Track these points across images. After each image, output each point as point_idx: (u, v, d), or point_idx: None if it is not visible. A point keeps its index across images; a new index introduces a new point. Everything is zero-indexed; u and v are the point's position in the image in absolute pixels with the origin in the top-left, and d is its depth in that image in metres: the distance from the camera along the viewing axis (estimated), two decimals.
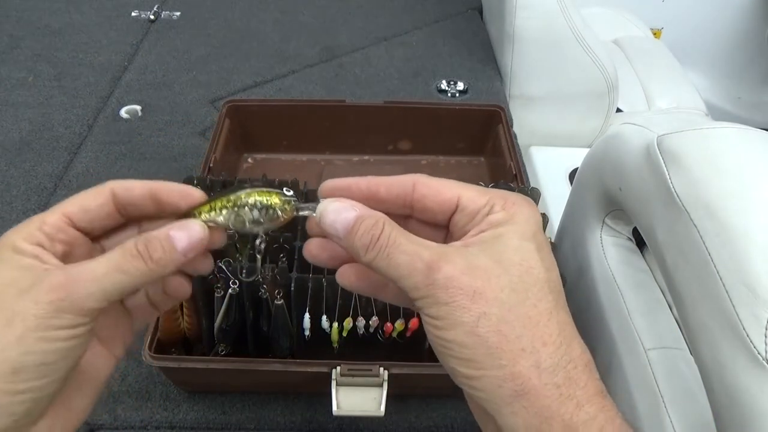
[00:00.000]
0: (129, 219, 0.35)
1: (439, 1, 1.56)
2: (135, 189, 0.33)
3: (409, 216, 0.34)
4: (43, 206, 0.94)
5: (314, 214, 0.33)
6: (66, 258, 0.32)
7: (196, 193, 0.34)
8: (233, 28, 1.42)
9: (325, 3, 1.53)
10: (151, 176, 1.07)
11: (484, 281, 0.28)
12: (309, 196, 0.74)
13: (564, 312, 0.30)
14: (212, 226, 0.34)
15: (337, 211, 0.31)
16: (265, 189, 0.34)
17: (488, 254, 0.29)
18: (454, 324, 0.28)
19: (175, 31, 1.40)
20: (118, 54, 1.31)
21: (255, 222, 0.34)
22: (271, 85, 1.24)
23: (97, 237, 0.35)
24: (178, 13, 1.46)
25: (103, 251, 0.35)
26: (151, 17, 1.43)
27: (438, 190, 0.32)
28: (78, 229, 0.33)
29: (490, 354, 0.28)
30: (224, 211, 0.34)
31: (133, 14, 1.45)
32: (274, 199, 0.34)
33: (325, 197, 0.33)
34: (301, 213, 0.34)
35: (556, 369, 0.28)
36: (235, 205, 0.34)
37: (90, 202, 0.33)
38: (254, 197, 0.34)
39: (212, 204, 0.34)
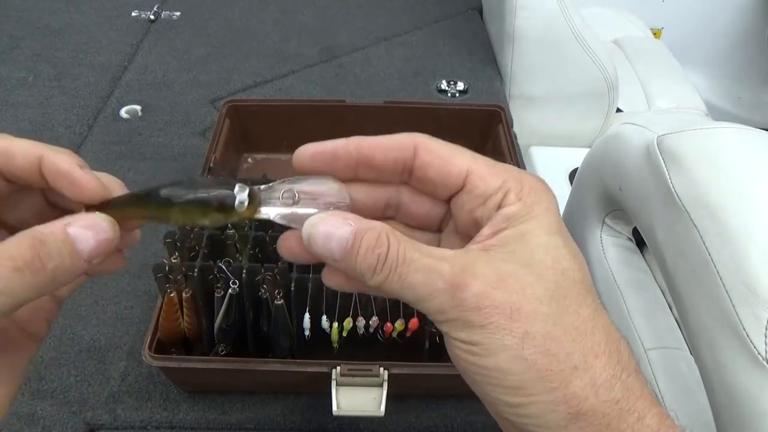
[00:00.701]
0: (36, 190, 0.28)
1: (439, 1, 1.56)
2: (17, 158, 0.26)
3: (401, 184, 0.29)
4: None
5: (288, 223, 0.27)
6: None
7: (87, 184, 0.26)
8: (233, 28, 1.42)
9: (325, 3, 1.53)
10: (151, 176, 1.06)
11: (519, 293, 0.25)
12: None
13: (604, 313, 0.26)
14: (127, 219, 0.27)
15: (328, 234, 0.25)
16: (205, 197, 0.27)
17: (515, 259, 0.25)
18: (495, 349, 0.24)
19: (175, 31, 1.40)
20: (118, 54, 1.31)
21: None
22: (271, 85, 1.24)
23: None
24: (178, 13, 1.46)
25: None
26: (151, 17, 1.43)
27: (444, 159, 0.27)
28: None
29: (540, 378, 0.24)
30: (150, 213, 0.27)
31: (133, 14, 1.45)
32: (204, 220, 0.27)
33: (303, 168, 0.28)
34: (267, 217, 0.28)
35: (612, 382, 0.25)
36: (161, 217, 0.27)
37: None
38: (183, 219, 0.27)
39: (138, 207, 0.27)
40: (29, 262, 0.23)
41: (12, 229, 0.27)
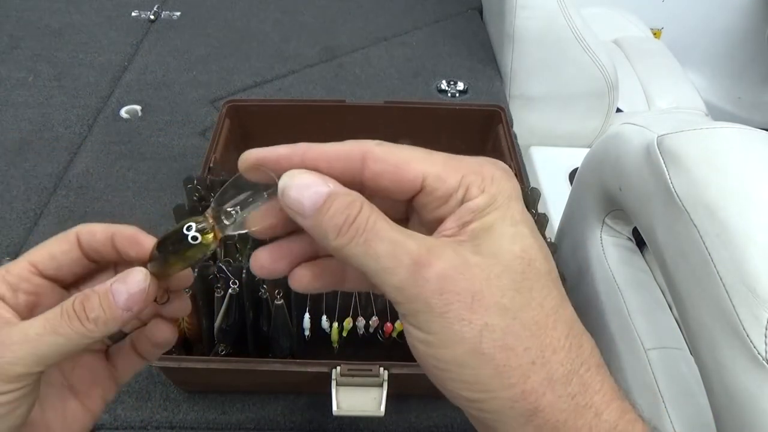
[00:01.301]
0: (102, 263, 0.33)
1: (439, 1, 1.56)
2: (97, 233, 0.31)
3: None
4: (43, 206, 0.94)
5: (265, 198, 0.28)
6: (33, 309, 0.31)
7: (145, 241, 0.30)
8: (233, 28, 1.42)
9: (325, 3, 1.53)
10: (151, 176, 1.07)
11: (483, 282, 0.24)
12: None
13: (569, 306, 0.26)
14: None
15: (306, 185, 0.25)
16: (172, 247, 0.29)
17: (483, 250, 0.25)
18: (452, 341, 0.24)
19: (175, 31, 1.40)
20: (118, 54, 1.31)
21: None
22: (271, 85, 1.24)
23: (70, 284, 0.33)
24: (178, 13, 1.46)
25: None
26: (151, 17, 1.43)
27: (396, 166, 0.26)
28: (46, 277, 0.31)
29: (498, 374, 0.24)
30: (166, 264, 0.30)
31: (133, 14, 1.45)
32: (188, 261, 0.29)
33: (246, 173, 0.28)
34: (231, 233, 0.29)
35: (569, 377, 0.25)
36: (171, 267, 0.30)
37: (56, 248, 0.31)
38: (181, 265, 0.29)
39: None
40: (78, 312, 0.28)
41: None
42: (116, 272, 0.33)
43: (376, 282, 0.25)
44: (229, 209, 0.29)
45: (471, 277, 0.24)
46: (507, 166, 0.27)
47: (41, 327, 0.28)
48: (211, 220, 0.29)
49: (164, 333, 0.33)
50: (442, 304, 0.24)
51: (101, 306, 0.28)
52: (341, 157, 0.27)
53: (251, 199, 0.28)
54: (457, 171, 0.26)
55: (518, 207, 0.26)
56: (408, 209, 0.29)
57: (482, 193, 0.26)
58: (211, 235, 0.29)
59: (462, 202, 0.26)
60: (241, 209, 0.28)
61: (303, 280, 0.29)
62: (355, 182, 0.27)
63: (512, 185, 0.27)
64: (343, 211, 0.25)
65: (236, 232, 0.29)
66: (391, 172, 0.26)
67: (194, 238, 0.29)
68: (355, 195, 0.26)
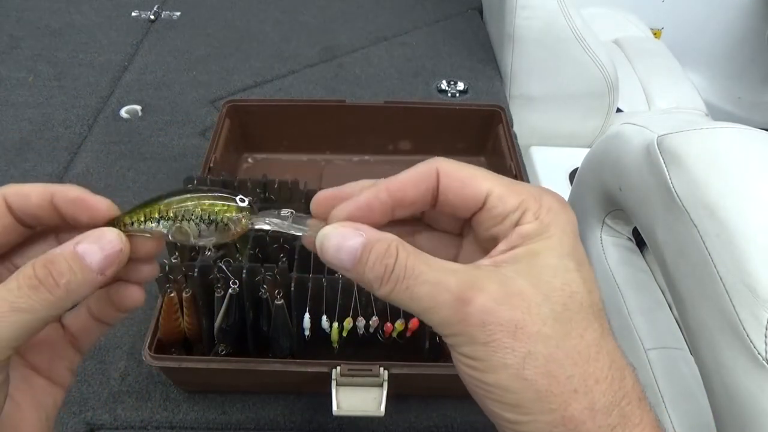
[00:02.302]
0: (40, 228, 0.29)
1: (439, 1, 1.56)
2: (32, 196, 0.27)
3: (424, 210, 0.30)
4: None
5: (305, 233, 0.28)
6: None
7: (100, 205, 0.27)
8: (233, 28, 1.42)
9: (325, 3, 1.53)
10: (151, 176, 1.07)
11: (525, 312, 0.25)
12: (309, 196, 0.74)
13: (611, 338, 0.26)
14: (147, 236, 0.28)
15: (340, 239, 0.26)
16: (214, 196, 0.28)
17: (525, 277, 0.25)
18: (496, 367, 0.25)
19: (175, 31, 1.40)
20: (118, 54, 1.31)
21: (201, 236, 0.28)
22: (271, 85, 1.24)
23: (3, 255, 0.29)
24: (178, 13, 1.46)
25: (13, 271, 0.29)
26: (151, 17, 1.43)
27: (463, 182, 0.27)
28: None
29: (539, 399, 0.24)
30: (163, 222, 0.28)
31: (133, 14, 1.45)
32: (226, 212, 0.28)
33: (319, 214, 0.29)
34: (273, 229, 0.29)
35: (610, 408, 0.25)
36: (176, 217, 0.28)
37: None
38: (200, 209, 0.28)
39: (147, 211, 0.28)
40: (43, 280, 0.25)
41: None
42: (58, 240, 0.30)
43: (422, 319, 0.26)
44: (281, 214, 0.29)
45: (513, 306, 0.25)
46: (564, 200, 0.28)
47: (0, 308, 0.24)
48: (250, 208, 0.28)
49: (133, 296, 0.29)
50: (486, 335, 0.24)
51: (72, 269, 0.25)
52: (423, 179, 0.28)
53: (292, 220, 0.29)
54: (519, 194, 0.27)
55: (569, 240, 0.27)
56: (464, 226, 0.30)
57: (536, 220, 0.26)
58: (246, 218, 0.28)
59: (516, 224, 0.27)
60: (278, 219, 0.29)
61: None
62: (434, 199, 0.28)
63: (567, 218, 0.27)
64: (381, 261, 0.26)
65: (272, 228, 0.29)
66: (458, 187, 0.27)
67: (242, 202, 0.28)
68: (389, 239, 0.26)
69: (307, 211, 0.30)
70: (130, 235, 0.28)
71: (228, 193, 0.28)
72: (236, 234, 0.29)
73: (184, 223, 0.28)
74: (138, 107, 1.15)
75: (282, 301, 0.61)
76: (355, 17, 1.48)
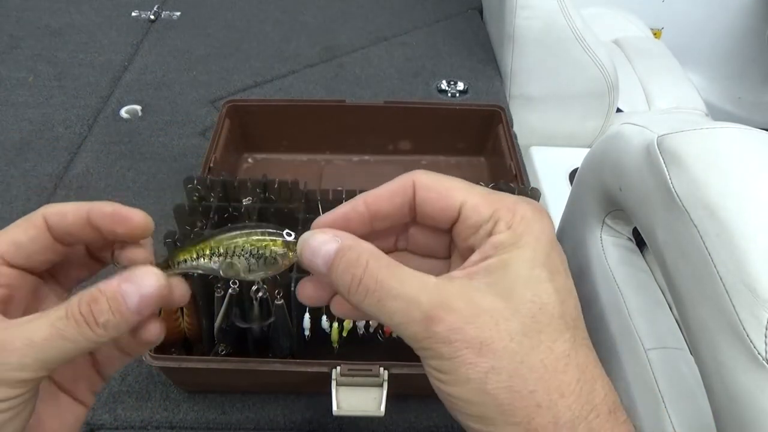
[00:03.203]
0: (77, 246, 0.31)
1: (439, 1, 1.56)
2: (68, 215, 0.29)
3: (409, 222, 0.31)
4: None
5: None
6: (7, 302, 0.29)
7: (134, 217, 0.29)
8: (233, 28, 1.42)
9: (325, 3, 1.53)
10: (151, 176, 1.07)
11: (492, 329, 0.25)
12: (309, 196, 0.74)
13: (584, 349, 0.26)
14: (178, 274, 0.29)
15: (317, 244, 0.27)
16: (262, 231, 0.29)
17: (495, 290, 0.26)
18: (461, 381, 0.25)
19: (175, 31, 1.40)
20: (118, 54, 1.31)
21: (251, 271, 0.30)
22: (271, 85, 1.24)
23: (45, 273, 0.31)
24: (178, 13, 1.46)
25: (58, 289, 0.31)
26: (151, 17, 1.43)
27: (439, 193, 0.28)
28: (16, 266, 0.29)
29: (502, 412, 0.25)
30: (214, 259, 0.29)
31: (133, 14, 1.45)
32: (273, 247, 0.29)
33: None
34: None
35: (575, 422, 0.25)
36: (227, 253, 0.29)
37: (21, 236, 0.29)
38: (249, 245, 0.29)
39: (198, 249, 0.29)
40: (86, 317, 0.26)
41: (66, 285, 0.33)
42: (91, 255, 0.31)
43: (393, 330, 0.27)
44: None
45: (480, 325, 0.25)
46: (543, 208, 0.28)
47: (47, 332, 0.26)
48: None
49: (153, 331, 0.30)
50: (452, 351, 0.25)
51: (110, 310, 0.27)
52: (398, 192, 0.29)
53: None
54: (492, 204, 0.27)
55: (542, 249, 0.27)
56: (451, 243, 0.31)
57: (508, 230, 0.27)
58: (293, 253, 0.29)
59: (489, 234, 0.27)
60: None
61: (344, 307, 0.31)
62: (411, 210, 0.29)
63: (541, 227, 0.27)
64: (349, 270, 0.26)
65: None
66: (434, 198, 0.28)
67: (294, 241, 0.29)
68: (362, 249, 0.27)
69: (307, 210, 0.31)
70: (171, 275, 0.29)
71: (275, 228, 0.30)
72: (283, 267, 0.30)
73: (235, 258, 0.29)
74: (138, 107, 1.15)
75: (282, 301, 0.61)
76: (355, 17, 1.48)
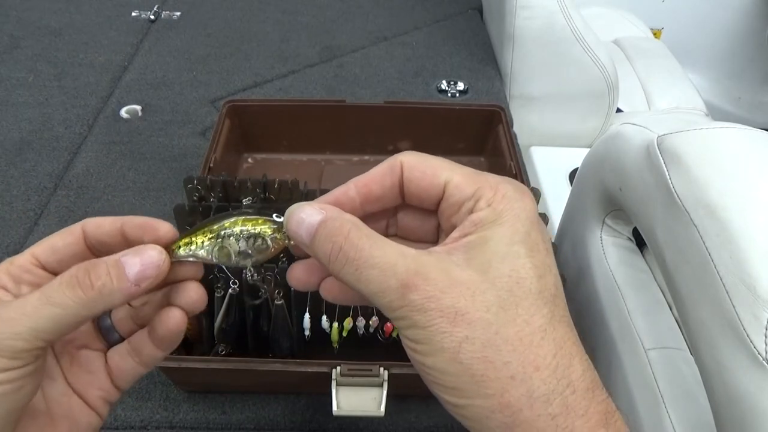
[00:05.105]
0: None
1: (439, 1, 1.56)
2: (105, 226, 0.31)
3: (399, 204, 0.31)
4: (43, 206, 0.94)
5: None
6: None
7: (161, 227, 0.30)
8: (233, 28, 1.42)
9: (325, 3, 1.53)
10: (151, 176, 1.06)
11: (468, 299, 0.25)
12: (309, 197, 0.74)
13: (562, 325, 0.26)
14: (192, 260, 0.31)
15: (303, 216, 0.28)
16: (252, 216, 0.30)
17: (473, 264, 0.26)
18: (434, 350, 0.25)
19: (175, 31, 1.40)
20: (118, 54, 1.31)
21: (242, 254, 0.30)
22: (271, 85, 1.24)
23: None
24: (178, 13, 1.46)
25: None
26: (151, 17, 1.43)
27: (424, 172, 0.29)
28: (48, 270, 0.31)
29: (475, 383, 0.25)
30: (206, 243, 0.30)
31: (133, 14, 1.45)
32: (263, 228, 0.30)
33: None
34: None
35: (550, 397, 0.25)
36: (218, 235, 0.30)
37: (58, 241, 0.31)
38: (240, 226, 0.30)
39: (192, 237, 0.30)
40: (81, 280, 0.27)
41: None
42: None
43: (370, 301, 0.27)
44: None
45: (456, 295, 0.25)
46: (526, 188, 0.28)
47: (37, 299, 0.27)
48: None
49: (175, 317, 0.31)
50: (426, 319, 0.25)
51: (109, 274, 0.27)
52: (387, 173, 0.29)
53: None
54: (475, 183, 0.28)
55: (522, 227, 0.27)
56: (439, 227, 0.31)
57: (488, 207, 0.27)
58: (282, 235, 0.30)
59: (471, 212, 0.27)
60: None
61: (333, 290, 0.31)
62: (401, 192, 0.29)
63: (522, 206, 0.27)
64: (331, 238, 0.27)
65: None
66: (420, 177, 0.29)
67: (286, 237, 0.29)
68: (345, 219, 0.27)
69: None
70: (176, 261, 0.30)
71: (265, 213, 0.31)
72: (274, 252, 0.31)
73: (225, 240, 0.30)
74: (138, 107, 1.15)
75: (282, 301, 0.61)
76: (355, 17, 1.48)
